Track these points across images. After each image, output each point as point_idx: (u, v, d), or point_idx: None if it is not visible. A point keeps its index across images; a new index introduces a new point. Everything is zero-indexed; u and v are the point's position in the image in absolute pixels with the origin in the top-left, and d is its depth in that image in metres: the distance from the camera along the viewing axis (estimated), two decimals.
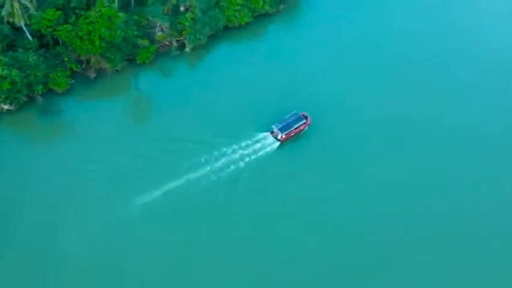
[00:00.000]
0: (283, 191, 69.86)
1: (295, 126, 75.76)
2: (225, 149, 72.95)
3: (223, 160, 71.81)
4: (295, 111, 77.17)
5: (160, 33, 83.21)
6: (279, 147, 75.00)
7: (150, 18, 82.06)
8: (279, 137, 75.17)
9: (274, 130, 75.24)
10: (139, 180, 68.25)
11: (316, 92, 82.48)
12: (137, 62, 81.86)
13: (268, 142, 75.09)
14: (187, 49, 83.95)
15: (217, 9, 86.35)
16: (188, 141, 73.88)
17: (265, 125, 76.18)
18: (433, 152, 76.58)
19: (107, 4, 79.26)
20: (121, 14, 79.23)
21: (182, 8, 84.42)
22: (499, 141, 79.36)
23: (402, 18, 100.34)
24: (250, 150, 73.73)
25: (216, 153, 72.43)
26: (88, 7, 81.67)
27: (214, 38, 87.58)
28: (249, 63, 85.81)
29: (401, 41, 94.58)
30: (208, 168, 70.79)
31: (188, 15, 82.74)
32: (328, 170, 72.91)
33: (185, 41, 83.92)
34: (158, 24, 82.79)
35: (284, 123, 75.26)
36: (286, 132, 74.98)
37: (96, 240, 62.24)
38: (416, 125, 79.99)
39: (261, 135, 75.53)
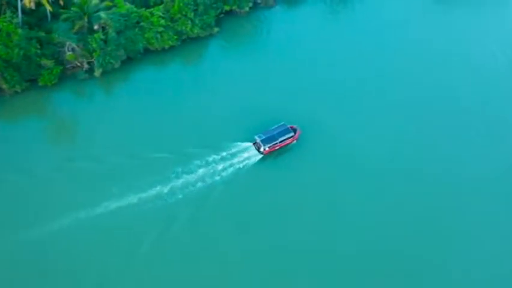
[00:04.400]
0: (259, 217, 62.13)
1: (281, 139, 68.29)
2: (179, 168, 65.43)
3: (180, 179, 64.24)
4: (283, 123, 69.33)
5: (70, 53, 74.70)
6: (261, 160, 67.14)
7: (56, 36, 73.71)
8: (261, 150, 67.27)
9: (257, 141, 67.35)
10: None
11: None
12: (40, 84, 73.63)
13: (248, 155, 67.62)
14: (96, 73, 74.99)
15: (136, 30, 76.99)
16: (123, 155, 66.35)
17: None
18: (434, 178, 67.89)
19: (9, 19, 71.68)
20: (20, 30, 71.22)
21: (96, 27, 75.52)
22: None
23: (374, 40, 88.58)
24: (222, 164, 66.30)
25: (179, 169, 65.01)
26: None
27: (132, 61, 78.01)
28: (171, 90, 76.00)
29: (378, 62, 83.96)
30: (159, 188, 62.80)
31: (97, 35, 73.66)
32: (313, 196, 64.76)
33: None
34: (67, 43, 74.36)
35: (268, 135, 68.00)
36: (270, 144, 67.45)
37: None
38: (416, 149, 70.93)
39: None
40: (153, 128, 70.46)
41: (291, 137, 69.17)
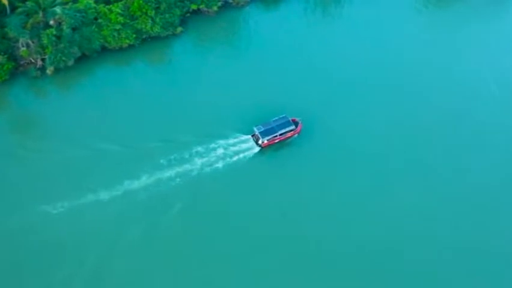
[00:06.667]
0: (253, 213, 60.22)
1: (281, 131, 65.77)
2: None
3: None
4: (284, 115, 66.88)
5: (24, 48, 72.28)
6: (259, 154, 64.96)
7: (9, 31, 71.31)
8: (259, 142, 64.81)
9: (256, 133, 64.92)
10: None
11: None
12: None
13: (246, 147, 65.30)
14: (48, 71, 72.34)
15: (93, 27, 74.01)
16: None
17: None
18: (435, 177, 66.38)
19: None
20: None
21: (52, 22, 72.87)
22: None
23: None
24: (217, 156, 64.09)
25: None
26: None
27: (88, 59, 74.89)
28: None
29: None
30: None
31: (50, 31, 71.02)
32: (311, 193, 62.68)
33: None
34: (21, 39, 71.91)
35: (268, 127, 65.60)
36: (269, 137, 64.99)
37: None
38: (418, 148, 69.22)
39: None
40: (130, 123, 68.62)
41: (292, 130, 66.62)
